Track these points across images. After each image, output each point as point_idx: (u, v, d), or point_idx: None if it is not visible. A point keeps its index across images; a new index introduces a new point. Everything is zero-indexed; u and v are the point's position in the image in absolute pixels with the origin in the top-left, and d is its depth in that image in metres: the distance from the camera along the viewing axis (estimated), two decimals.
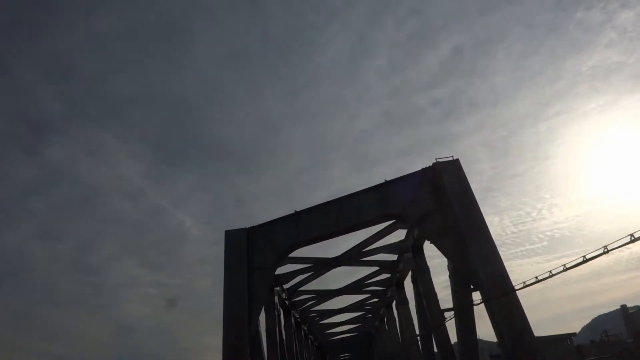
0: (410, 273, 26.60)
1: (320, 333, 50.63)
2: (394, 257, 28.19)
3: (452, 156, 17.66)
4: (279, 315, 27.24)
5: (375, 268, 30.13)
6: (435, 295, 22.89)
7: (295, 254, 25.86)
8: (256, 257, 19.26)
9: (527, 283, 12.49)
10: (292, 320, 33.55)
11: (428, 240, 17.33)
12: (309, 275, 29.09)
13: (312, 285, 31.96)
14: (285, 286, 30.30)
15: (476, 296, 16.36)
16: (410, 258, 24.88)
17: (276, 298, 26.93)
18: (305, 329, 42.29)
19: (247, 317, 17.97)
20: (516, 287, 13.52)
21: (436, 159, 17.68)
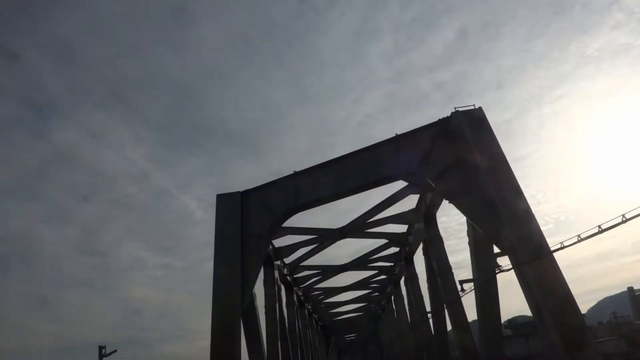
0: (421, 245, 24.12)
1: (324, 312, 48.54)
2: (404, 228, 25.80)
3: (474, 105, 15.10)
4: (279, 291, 24.95)
5: (383, 241, 27.72)
6: (450, 267, 20.48)
7: (297, 224, 23.57)
8: (251, 222, 16.86)
9: (583, 237, 9.93)
10: (295, 298, 31.36)
11: (447, 199, 14.83)
12: (312, 249, 26.77)
13: (315, 261, 29.74)
14: (287, 261, 28.03)
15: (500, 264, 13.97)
16: (422, 229, 22.45)
17: (276, 273, 24.65)
18: (309, 307, 40.19)
19: (239, 289, 15.64)
20: (563, 245, 10.91)
21: (455, 108, 15.12)
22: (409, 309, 32.47)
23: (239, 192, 17.54)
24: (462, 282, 16.03)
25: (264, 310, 22.69)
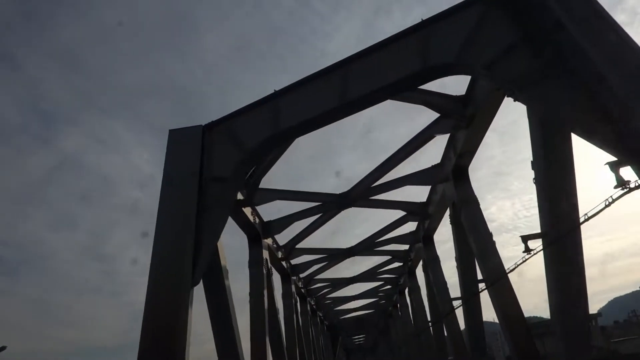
0: (448, 211, 18.31)
1: (329, 309, 42.72)
2: (424, 195, 20.19)
3: None
4: (269, 275, 19.36)
5: (400, 213, 21.97)
6: (490, 235, 14.82)
7: (289, 186, 18.13)
8: (214, 164, 11.31)
9: None
10: (293, 289, 25.75)
11: (507, 93, 9.19)
12: (308, 228, 21.24)
13: (314, 243, 24.24)
14: (281, 242, 22.48)
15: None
16: (451, 189, 16.79)
17: (266, 253, 19.10)
18: (313, 303, 34.47)
19: (191, 253, 10.09)
20: None
21: None
22: (427, 293, 26.63)
23: (200, 125, 12.05)
24: (525, 238, 10.33)
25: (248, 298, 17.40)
